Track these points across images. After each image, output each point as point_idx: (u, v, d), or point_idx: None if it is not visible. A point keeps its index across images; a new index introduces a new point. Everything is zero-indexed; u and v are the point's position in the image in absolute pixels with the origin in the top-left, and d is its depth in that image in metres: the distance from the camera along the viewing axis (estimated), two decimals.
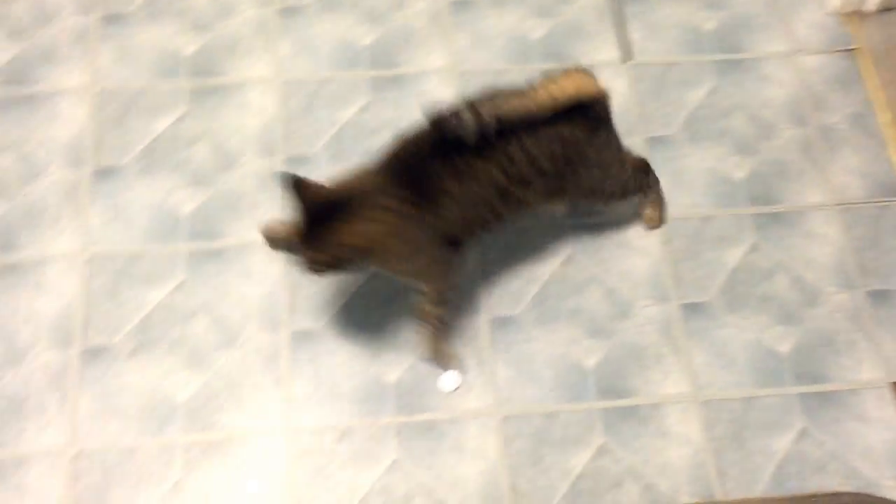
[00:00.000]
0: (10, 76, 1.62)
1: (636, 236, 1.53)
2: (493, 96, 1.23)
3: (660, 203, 1.54)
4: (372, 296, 1.46)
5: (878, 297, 1.50)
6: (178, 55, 1.65)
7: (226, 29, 1.68)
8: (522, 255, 1.51)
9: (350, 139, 1.58)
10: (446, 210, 1.26)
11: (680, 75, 1.68)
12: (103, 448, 1.34)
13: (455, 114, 1.20)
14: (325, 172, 1.53)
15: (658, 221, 1.55)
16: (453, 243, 1.34)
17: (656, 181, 1.52)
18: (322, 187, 1.23)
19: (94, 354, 1.40)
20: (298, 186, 1.20)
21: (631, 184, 1.47)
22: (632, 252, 1.52)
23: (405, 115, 1.60)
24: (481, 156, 1.24)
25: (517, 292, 1.48)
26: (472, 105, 1.20)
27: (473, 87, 1.63)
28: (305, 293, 1.45)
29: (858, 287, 1.50)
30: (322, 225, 1.20)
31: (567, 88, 1.25)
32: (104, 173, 1.54)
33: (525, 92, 1.24)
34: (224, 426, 1.36)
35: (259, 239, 1.48)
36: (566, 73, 1.27)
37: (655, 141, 1.61)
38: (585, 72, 1.28)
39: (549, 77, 1.26)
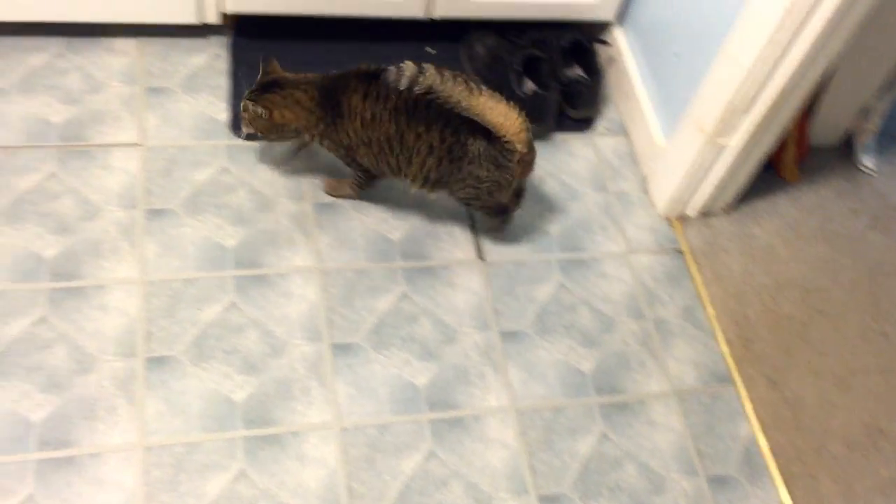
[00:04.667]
0: None
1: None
2: (442, 74, 1.51)
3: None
4: None
5: (716, 482, 1.61)
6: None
7: (89, 231, 1.69)
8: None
9: (215, 338, 1.60)
10: (351, 126, 1.64)
11: (529, 273, 1.82)
12: None
13: (399, 68, 1.51)
14: (189, 371, 1.54)
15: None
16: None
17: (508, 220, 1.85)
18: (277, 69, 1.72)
19: None
20: (266, 61, 1.73)
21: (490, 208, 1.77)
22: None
23: (271, 313, 1.64)
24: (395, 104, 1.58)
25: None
26: (420, 69, 1.50)
27: (337, 289, 1.70)
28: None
29: (699, 474, 1.62)
30: (268, 90, 1.68)
31: (497, 118, 1.56)
32: None
33: (471, 89, 1.53)
34: None
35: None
36: (510, 107, 1.57)
37: (508, 336, 1.72)
38: (523, 121, 1.59)
39: (495, 96, 1.56)
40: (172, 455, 1.47)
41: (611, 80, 2.16)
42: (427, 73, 1.50)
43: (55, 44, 1.93)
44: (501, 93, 2.00)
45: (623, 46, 2.10)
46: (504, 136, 1.57)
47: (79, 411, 1.48)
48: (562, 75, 2.02)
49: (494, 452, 1.57)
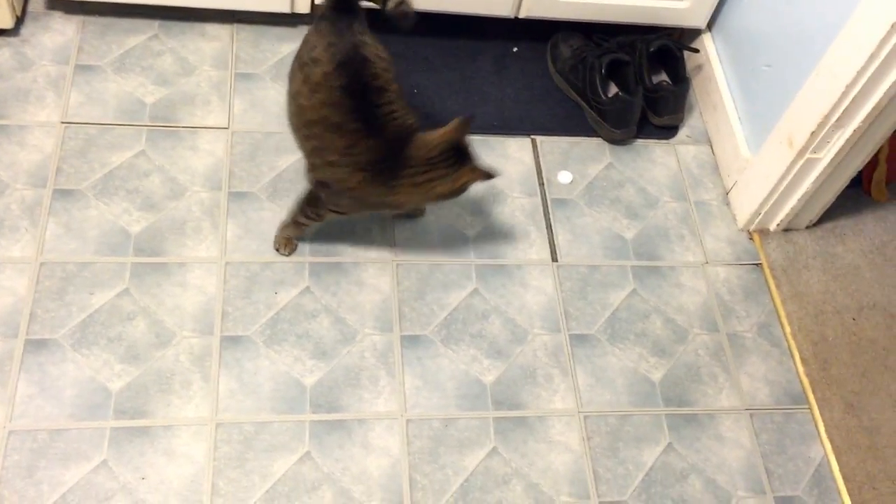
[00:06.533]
0: None
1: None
2: None
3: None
4: None
5: (783, 503, 1.57)
6: None
7: (172, 210, 1.74)
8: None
9: (288, 322, 1.63)
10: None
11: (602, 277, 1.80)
12: None
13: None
14: (262, 353, 1.57)
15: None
16: None
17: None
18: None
19: None
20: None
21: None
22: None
23: (342, 300, 1.67)
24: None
25: None
26: None
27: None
28: None
29: (766, 493, 1.58)
30: None
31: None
32: None
33: None
34: None
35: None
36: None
37: (578, 339, 1.71)
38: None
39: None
40: (242, 433, 1.50)
41: (696, 87, 2.12)
42: None
43: (151, 26, 1.99)
44: (585, 95, 2.02)
45: (711, 54, 2.06)
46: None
47: None
48: (647, 81, 1.99)
49: (557, 455, 1.56)
